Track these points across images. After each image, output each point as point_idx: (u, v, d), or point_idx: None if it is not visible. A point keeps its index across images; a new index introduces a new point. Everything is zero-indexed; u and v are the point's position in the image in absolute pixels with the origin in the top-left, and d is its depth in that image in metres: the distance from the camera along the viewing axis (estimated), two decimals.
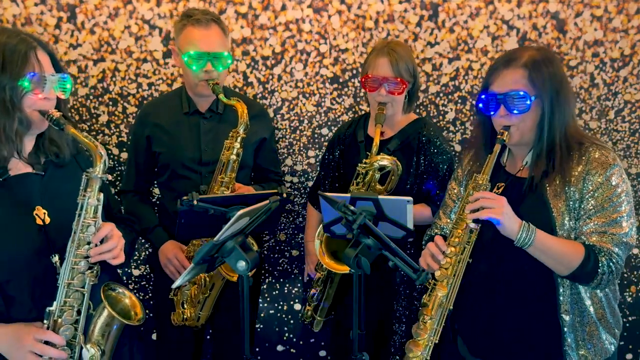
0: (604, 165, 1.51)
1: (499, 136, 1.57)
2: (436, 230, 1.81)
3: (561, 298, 1.54)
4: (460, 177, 1.80)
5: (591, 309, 1.56)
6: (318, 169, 2.58)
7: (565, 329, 1.54)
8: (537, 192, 1.56)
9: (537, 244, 1.47)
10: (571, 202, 1.52)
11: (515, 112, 1.53)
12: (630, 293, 2.74)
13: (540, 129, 1.55)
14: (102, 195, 1.41)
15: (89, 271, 1.40)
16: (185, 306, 2.08)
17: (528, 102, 1.52)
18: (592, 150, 1.54)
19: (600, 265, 1.47)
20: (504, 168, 1.69)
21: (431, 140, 2.09)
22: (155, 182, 2.27)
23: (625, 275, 2.73)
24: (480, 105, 1.62)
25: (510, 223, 1.47)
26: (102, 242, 1.42)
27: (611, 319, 1.60)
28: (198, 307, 2.08)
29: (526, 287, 1.59)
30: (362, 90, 2.53)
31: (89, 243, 1.39)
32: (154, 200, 2.53)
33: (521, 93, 1.52)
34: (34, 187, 1.46)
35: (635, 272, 2.73)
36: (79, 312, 1.40)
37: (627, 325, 2.77)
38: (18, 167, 1.45)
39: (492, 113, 1.59)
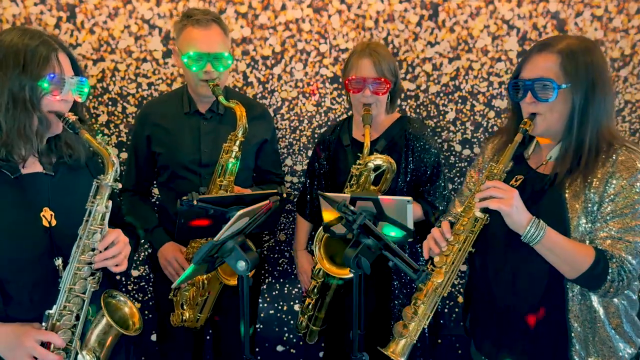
0: (630, 170, 1.41)
1: (522, 125, 1.49)
2: (450, 218, 1.73)
3: (570, 303, 1.47)
4: (480, 165, 1.73)
5: (604, 317, 1.47)
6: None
7: (573, 335, 1.47)
8: (556, 191, 1.48)
9: (545, 242, 1.40)
10: (589, 205, 1.43)
11: (541, 100, 1.45)
12: None
13: (570, 123, 1.45)
14: (110, 202, 1.40)
15: (91, 277, 1.39)
16: (185, 307, 2.07)
17: (556, 90, 1.42)
18: (620, 153, 1.44)
19: (610, 271, 1.38)
20: (526, 161, 1.61)
21: (418, 137, 2.09)
22: (155, 182, 2.27)
23: None
24: (510, 90, 1.54)
25: (518, 216, 1.41)
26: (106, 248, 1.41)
27: (629, 328, 1.49)
28: (197, 309, 2.07)
29: (534, 288, 1.52)
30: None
31: (93, 249, 1.38)
32: (153, 200, 2.53)
33: (548, 80, 1.43)
34: (43, 187, 1.45)
35: None
36: (77, 317, 1.39)
37: None
38: (29, 166, 1.45)
39: (520, 98, 1.51)
